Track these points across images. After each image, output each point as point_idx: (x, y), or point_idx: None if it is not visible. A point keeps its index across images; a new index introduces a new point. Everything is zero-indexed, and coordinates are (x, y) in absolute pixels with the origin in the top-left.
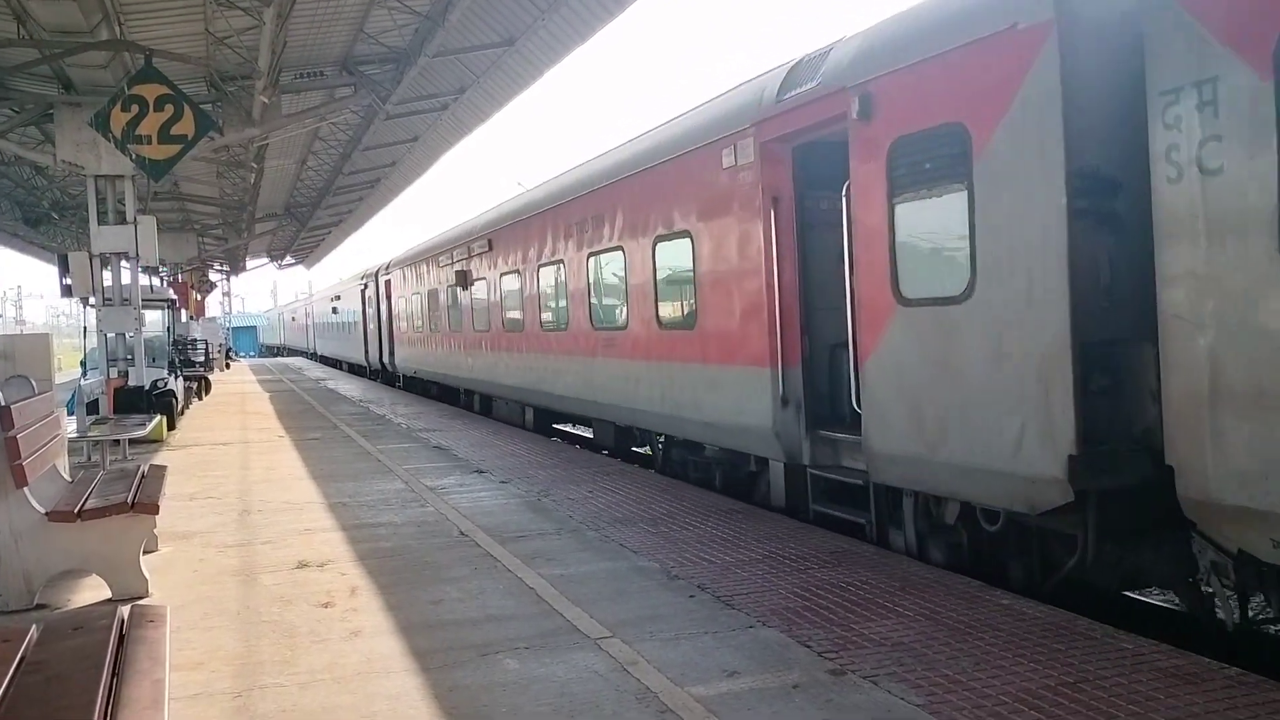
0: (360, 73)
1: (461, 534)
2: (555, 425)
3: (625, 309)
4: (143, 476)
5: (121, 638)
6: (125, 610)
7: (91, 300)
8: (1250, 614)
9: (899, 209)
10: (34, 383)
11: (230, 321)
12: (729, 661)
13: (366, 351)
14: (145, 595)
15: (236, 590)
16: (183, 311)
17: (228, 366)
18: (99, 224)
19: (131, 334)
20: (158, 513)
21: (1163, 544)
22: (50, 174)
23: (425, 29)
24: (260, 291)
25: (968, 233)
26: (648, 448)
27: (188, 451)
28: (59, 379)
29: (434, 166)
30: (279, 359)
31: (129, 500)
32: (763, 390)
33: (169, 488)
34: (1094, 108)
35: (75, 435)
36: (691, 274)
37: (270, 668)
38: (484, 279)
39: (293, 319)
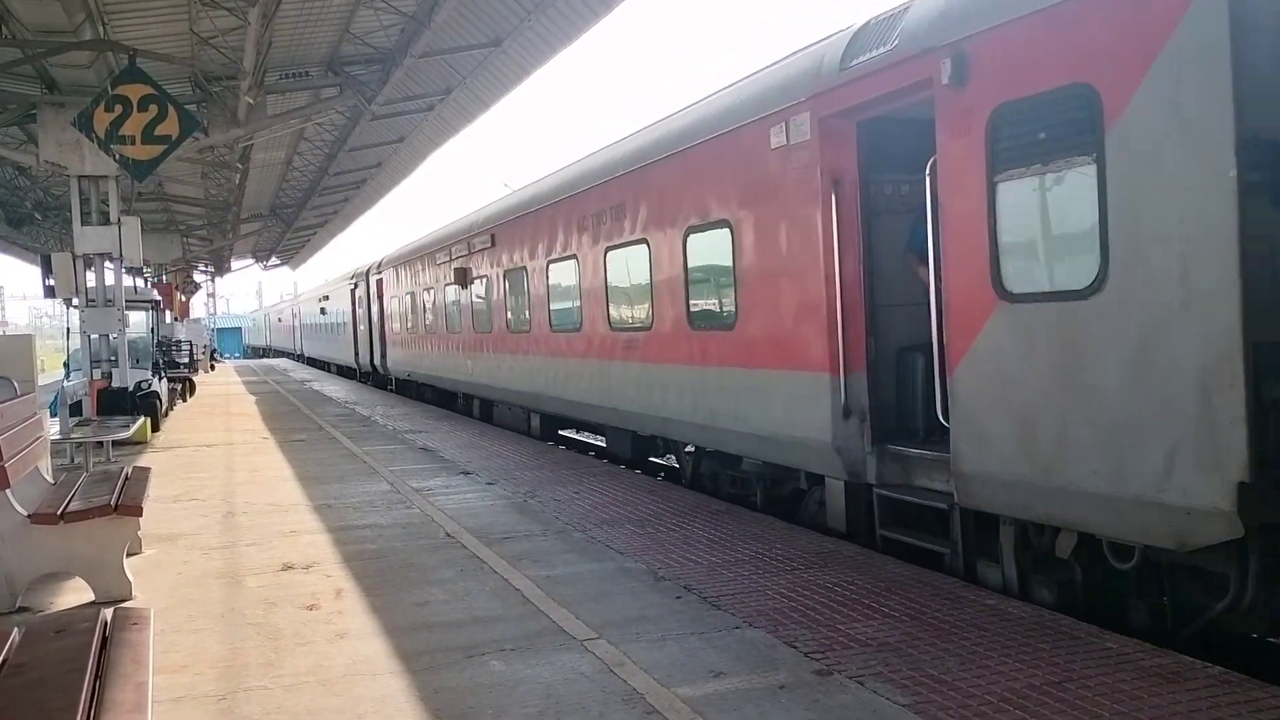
0: (346, 73)
1: (448, 535)
2: (561, 431)
3: (649, 308)
4: (126, 478)
5: (105, 640)
6: (109, 613)
7: (75, 301)
8: None
9: (1001, 188)
10: (17, 384)
11: (215, 323)
12: (715, 662)
13: (356, 353)
14: (129, 598)
15: (221, 592)
16: (167, 312)
17: (212, 368)
18: (82, 225)
19: (115, 335)
20: (141, 515)
21: None
22: (33, 174)
23: (411, 30)
24: (245, 292)
25: (1097, 214)
26: (671, 457)
27: (172, 453)
28: (42, 380)
29: (420, 167)
30: (264, 360)
31: (112, 502)
32: (820, 399)
33: (153, 490)
34: (1271, 59)
35: (58, 437)
36: (731, 268)
37: (255, 670)
38: (486, 277)
39: (279, 320)
